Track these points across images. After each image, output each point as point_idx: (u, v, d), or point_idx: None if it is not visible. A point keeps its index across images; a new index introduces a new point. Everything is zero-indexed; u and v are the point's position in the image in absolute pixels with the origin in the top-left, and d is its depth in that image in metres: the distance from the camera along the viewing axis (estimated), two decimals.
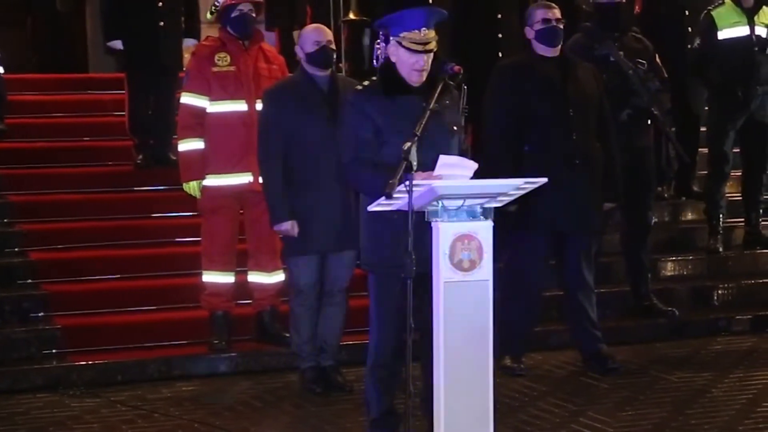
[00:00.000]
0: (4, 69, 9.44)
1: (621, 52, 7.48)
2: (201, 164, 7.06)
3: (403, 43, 5.23)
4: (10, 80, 9.66)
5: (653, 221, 8.08)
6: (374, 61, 8.64)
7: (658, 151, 7.98)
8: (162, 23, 8.76)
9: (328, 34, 6.60)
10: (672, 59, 8.40)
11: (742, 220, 9.14)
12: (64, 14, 12.32)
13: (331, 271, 6.59)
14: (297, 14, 10.55)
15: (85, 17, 12.12)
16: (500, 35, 8.48)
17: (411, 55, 5.23)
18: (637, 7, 9.39)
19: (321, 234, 6.44)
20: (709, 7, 8.77)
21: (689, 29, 8.99)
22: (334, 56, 6.71)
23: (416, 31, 5.21)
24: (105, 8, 9.05)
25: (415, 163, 4.88)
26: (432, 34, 5.24)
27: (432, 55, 5.26)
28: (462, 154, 5.31)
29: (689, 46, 8.89)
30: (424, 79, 5.27)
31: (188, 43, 8.96)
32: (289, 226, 6.46)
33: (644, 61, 7.52)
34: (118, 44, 8.86)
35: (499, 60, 7.71)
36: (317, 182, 6.41)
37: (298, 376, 6.75)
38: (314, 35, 6.54)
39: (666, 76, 7.75)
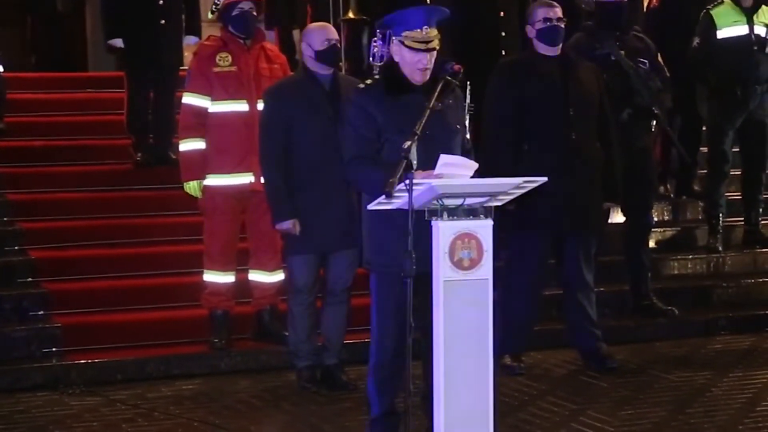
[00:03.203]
0: (4, 68, 9.44)
1: (622, 52, 7.48)
2: (202, 164, 7.06)
3: (406, 42, 5.23)
4: (10, 79, 9.65)
5: (654, 221, 8.07)
6: (370, 59, 8.63)
7: (665, 148, 7.96)
8: (162, 21, 8.76)
9: (335, 33, 6.62)
10: (682, 57, 8.41)
11: (742, 219, 9.14)
12: (64, 13, 12.32)
13: (333, 271, 6.58)
14: (297, 13, 10.55)
15: (85, 16, 12.13)
16: (503, 33, 8.47)
17: (413, 54, 5.23)
18: (654, 0, 9.40)
19: (321, 233, 6.44)
20: (708, 7, 8.76)
21: None
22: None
23: (418, 30, 5.21)
24: (105, 6, 9.05)
25: (415, 162, 4.88)
26: (434, 32, 5.24)
27: (435, 53, 5.25)
28: (465, 153, 5.32)
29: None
30: (428, 77, 5.27)
31: (189, 41, 8.97)
32: (291, 225, 6.45)
33: (646, 61, 7.52)
34: (118, 42, 8.86)
35: (501, 58, 7.70)
36: (318, 181, 6.40)
37: (295, 375, 6.75)
38: (323, 33, 6.54)
39: (668, 75, 7.75)
